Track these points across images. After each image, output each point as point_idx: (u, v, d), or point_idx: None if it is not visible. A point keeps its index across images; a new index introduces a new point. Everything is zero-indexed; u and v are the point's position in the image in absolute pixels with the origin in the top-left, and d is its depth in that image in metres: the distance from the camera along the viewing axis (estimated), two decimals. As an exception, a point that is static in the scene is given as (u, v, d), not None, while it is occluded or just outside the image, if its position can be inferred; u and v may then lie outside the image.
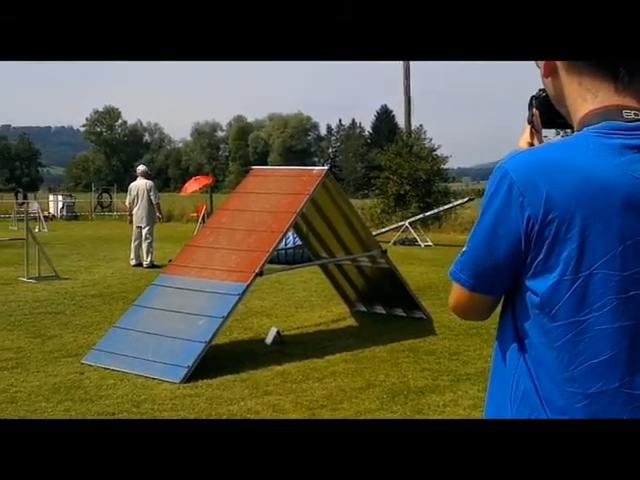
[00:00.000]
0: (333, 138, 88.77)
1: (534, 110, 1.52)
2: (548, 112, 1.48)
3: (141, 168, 13.27)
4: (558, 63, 1.36)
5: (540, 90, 1.49)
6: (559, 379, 1.29)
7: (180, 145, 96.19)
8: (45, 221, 22.64)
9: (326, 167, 7.77)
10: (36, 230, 17.91)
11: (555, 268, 1.26)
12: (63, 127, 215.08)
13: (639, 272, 1.24)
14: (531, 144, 1.51)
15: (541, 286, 1.28)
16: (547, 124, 1.53)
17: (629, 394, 1.27)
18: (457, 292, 1.43)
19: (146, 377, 5.69)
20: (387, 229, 18.24)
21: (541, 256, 1.27)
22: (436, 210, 19.16)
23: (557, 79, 1.38)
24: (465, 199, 18.92)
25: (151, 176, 13.28)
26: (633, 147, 1.25)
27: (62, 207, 29.03)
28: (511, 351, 1.38)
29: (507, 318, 1.39)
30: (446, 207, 19.20)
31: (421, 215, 18.75)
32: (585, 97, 1.33)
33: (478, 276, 1.36)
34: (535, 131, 1.53)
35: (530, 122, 1.53)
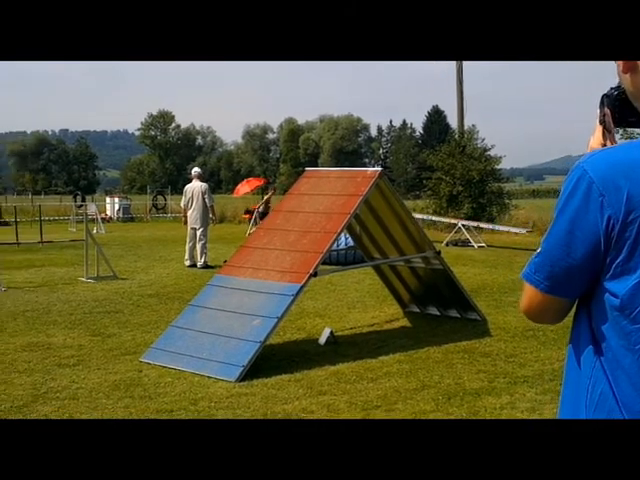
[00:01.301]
0: (384, 139, 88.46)
1: (605, 109, 1.48)
2: (620, 111, 1.45)
3: (196, 170, 13.48)
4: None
5: (611, 89, 1.46)
6: (639, 382, 1.26)
7: (232, 148, 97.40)
8: (102, 223, 23.23)
9: (380, 168, 7.76)
10: (94, 232, 18.37)
11: (636, 269, 1.24)
12: (119, 131, 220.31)
13: None
14: (604, 145, 1.47)
15: (621, 288, 1.26)
16: (619, 123, 1.49)
17: None
18: (530, 294, 1.40)
19: (202, 375, 5.78)
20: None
21: (621, 257, 1.25)
22: (489, 226, 18.38)
23: (636, 75, 1.35)
24: (524, 230, 17.35)
25: (205, 178, 13.49)
26: None
27: (118, 209, 29.72)
28: (587, 354, 1.35)
29: (582, 320, 1.36)
30: (500, 228, 18.10)
31: (474, 223, 18.15)
32: None
33: (553, 278, 1.34)
34: (607, 131, 1.49)
35: (602, 122, 1.50)
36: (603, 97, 1.50)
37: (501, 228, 17.66)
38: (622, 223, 1.24)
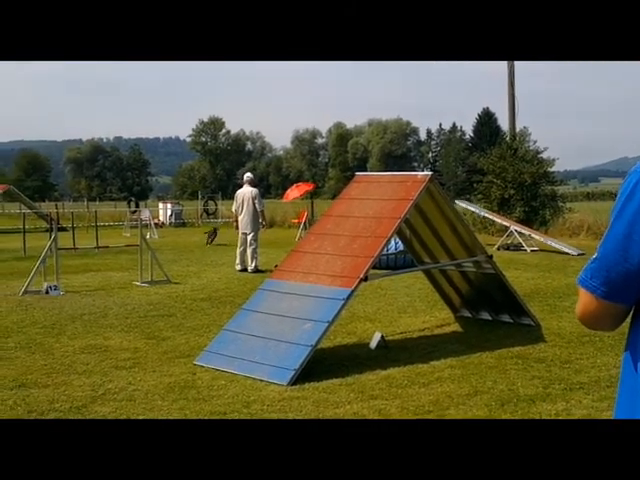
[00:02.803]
0: (433, 142, 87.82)
1: None
2: None
3: (247, 176, 13.64)
4: None
5: None
6: None
7: (281, 153, 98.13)
8: (155, 228, 23.70)
9: (430, 172, 7.72)
10: (147, 237, 18.77)
11: None
12: (170, 138, 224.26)
13: None
14: None
15: None
16: None
17: None
18: (586, 300, 1.39)
19: (254, 379, 5.85)
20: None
21: None
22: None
23: None
24: (575, 252, 15.03)
25: (255, 183, 13.62)
26: None
27: (171, 214, 30.29)
28: None
29: (638, 325, 1.35)
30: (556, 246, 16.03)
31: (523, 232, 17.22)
32: None
33: (610, 284, 1.33)
34: None
35: None
36: None
37: (554, 244, 16.33)
38: None
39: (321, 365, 6.20)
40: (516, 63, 22.67)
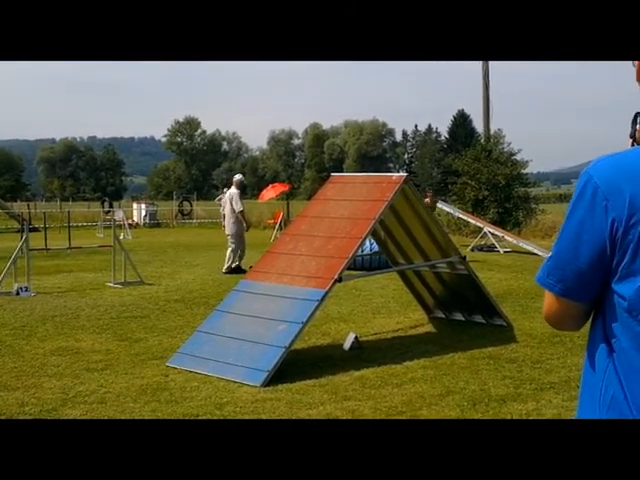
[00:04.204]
0: (409, 144, 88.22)
1: (638, 126, 1.51)
2: None
3: (235, 177, 13.58)
4: None
5: None
6: None
7: (257, 153, 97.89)
8: (129, 228, 23.50)
9: (405, 174, 7.76)
10: (121, 237, 18.60)
11: None
12: (145, 137, 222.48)
13: None
14: None
15: (628, 290, 1.28)
16: None
17: None
18: (549, 300, 1.43)
19: (228, 380, 5.82)
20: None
21: (626, 259, 1.27)
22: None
23: None
24: (547, 254, 15.93)
25: (241, 185, 13.48)
26: None
27: (145, 215, 30.05)
28: (600, 356, 1.37)
29: (597, 324, 1.39)
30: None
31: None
32: None
33: (565, 281, 1.37)
34: (638, 146, 1.52)
35: (632, 137, 1.53)
36: (636, 115, 1.52)
37: (526, 246, 16.69)
38: (625, 226, 1.26)
39: (295, 366, 6.20)
40: (491, 64, 22.87)
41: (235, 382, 5.78)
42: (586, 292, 1.37)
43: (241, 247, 12.92)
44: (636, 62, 1.39)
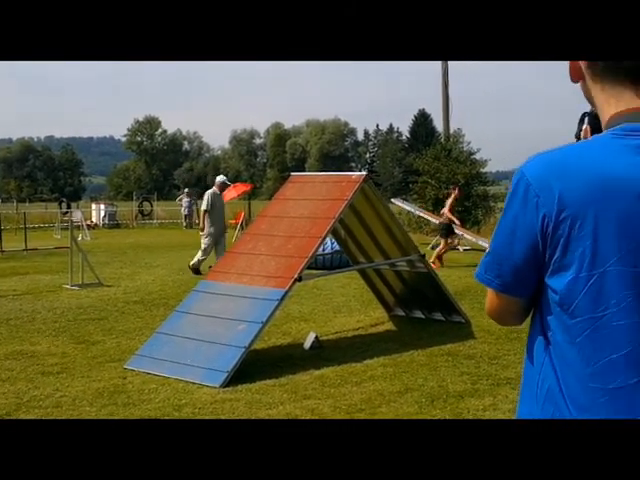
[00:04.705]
0: (370, 143, 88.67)
1: (585, 126, 1.54)
2: (599, 129, 1.50)
3: (216, 178, 13.40)
4: (583, 69, 1.38)
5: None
6: (582, 375, 1.31)
7: (219, 153, 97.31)
8: (88, 230, 23.14)
9: (364, 173, 7.79)
10: (79, 238, 18.30)
11: (570, 266, 1.29)
12: (105, 137, 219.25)
13: None
14: None
15: (559, 284, 1.31)
16: None
17: None
18: (489, 295, 1.46)
19: (187, 382, 5.77)
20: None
21: (557, 254, 1.30)
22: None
23: (585, 84, 1.41)
24: None
25: (223, 187, 13.23)
26: None
27: (104, 216, 29.62)
28: (537, 350, 1.40)
29: (536, 318, 1.42)
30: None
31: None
32: (609, 101, 1.36)
33: (502, 277, 1.39)
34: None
35: (577, 137, 1.56)
36: (584, 114, 1.55)
37: (484, 244, 16.97)
38: (555, 221, 1.29)
39: (255, 366, 6.18)
40: (450, 64, 23.08)
41: (194, 383, 5.74)
42: (523, 287, 1.39)
43: (210, 248, 12.69)
44: (569, 62, 1.42)
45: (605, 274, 1.27)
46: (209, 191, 12.89)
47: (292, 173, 8.54)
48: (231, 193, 26.00)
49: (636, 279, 1.26)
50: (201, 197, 13.86)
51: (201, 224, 12.99)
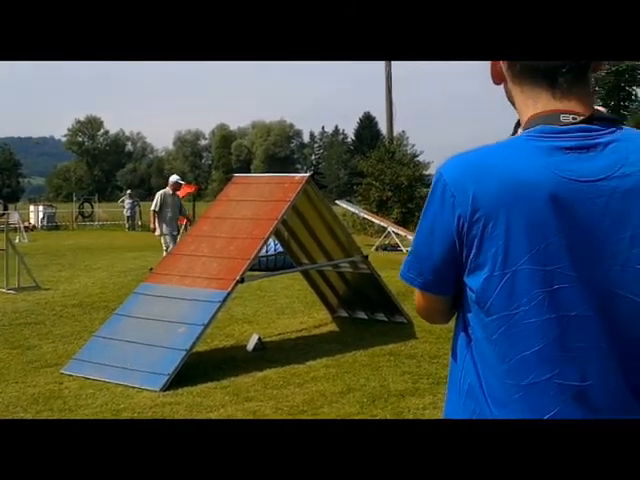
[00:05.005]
0: (316, 145, 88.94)
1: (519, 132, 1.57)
2: None
3: (170, 178, 13.08)
4: (504, 71, 1.41)
5: None
6: (498, 372, 1.34)
7: (163, 154, 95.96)
8: (25, 231, 22.48)
9: (307, 174, 7.79)
10: (16, 241, 17.77)
11: (485, 265, 1.31)
12: (44, 137, 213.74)
13: (563, 267, 1.28)
14: None
15: (475, 282, 1.34)
16: None
17: (560, 385, 1.30)
18: (416, 293, 1.48)
19: (126, 386, 5.66)
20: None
21: (472, 254, 1.33)
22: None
23: (507, 86, 1.44)
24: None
25: (176, 187, 12.89)
26: (563, 148, 1.30)
27: (43, 217, 28.86)
28: (460, 347, 1.42)
29: (459, 316, 1.45)
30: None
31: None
32: (527, 103, 1.39)
33: (424, 275, 1.41)
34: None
35: None
36: (518, 122, 1.59)
37: None
38: (469, 221, 1.31)
39: (196, 369, 6.11)
40: (394, 68, 23.35)
41: (133, 387, 5.63)
42: (444, 286, 1.41)
43: (172, 245, 12.25)
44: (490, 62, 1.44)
45: (517, 273, 1.29)
46: (160, 191, 12.66)
47: (234, 174, 8.49)
48: (175, 194, 25.72)
49: (546, 278, 1.28)
50: (149, 198, 13.55)
51: (152, 225, 12.68)
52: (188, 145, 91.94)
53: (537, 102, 1.36)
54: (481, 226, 1.30)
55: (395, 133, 24.73)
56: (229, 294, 6.42)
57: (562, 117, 1.32)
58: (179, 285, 6.69)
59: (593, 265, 1.29)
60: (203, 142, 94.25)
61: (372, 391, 5.56)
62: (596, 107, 1.36)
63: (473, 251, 1.32)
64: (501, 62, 1.42)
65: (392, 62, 22.71)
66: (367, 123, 74.01)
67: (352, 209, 20.62)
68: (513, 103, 1.44)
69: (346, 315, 8.68)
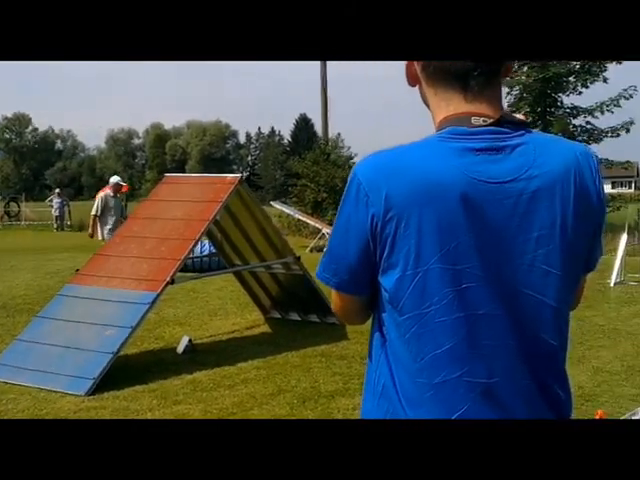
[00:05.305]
0: (252, 146, 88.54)
1: None
2: None
3: (110, 179, 12.67)
4: (419, 72, 1.43)
5: None
6: (411, 371, 1.35)
7: (94, 153, 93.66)
8: (-53, 231, 21.55)
9: (239, 174, 7.73)
10: (-64, 241, 16.99)
11: (397, 264, 1.32)
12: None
13: (472, 266, 1.31)
14: None
15: (388, 282, 1.34)
16: None
17: (469, 382, 1.32)
18: (333, 294, 1.47)
19: (49, 390, 5.49)
20: None
21: (386, 253, 1.33)
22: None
23: (421, 88, 1.45)
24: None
25: (117, 188, 12.46)
26: (473, 149, 1.33)
27: (-35, 216, 27.73)
28: (375, 347, 1.43)
29: (374, 317, 1.45)
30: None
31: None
32: (440, 105, 1.40)
33: (339, 275, 1.41)
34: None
35: None
36: None
37: None
38: (382, 220, 1.31)
39: (123, 372, 5.97)
40: (329, 70, 23.47)
41: (57, 392, 5.47)
42: (359, 286, 1.41)
43: None
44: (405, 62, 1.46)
45: (428, 272, 1.30)
46: (100, 194, 12.23)
47: (166, 174, 8.36)
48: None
49: (455, 277, 1.30)
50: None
51: (90, 229, 12.12)
52: (121, 144, 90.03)
53: (449, 104, 1.38)
54: (394, 225, 1.30)
55: (331, 135, 24.88)
56: (159, 295, 6.31)
57: (473, 119, 1.35)
58: (106, 287, 6.54)
59: (501, 265, 1.32)
60: (137, 141, 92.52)
61: (303, 392, 5.56)
62: (505, 110, 1.39)
63: (386, 250, 1.32)
64: (416, 64, 1.43)
65: (327, 64, 22.81)
66: (303, 125, 74.12)
67: (287, 210, 20.60)
68: (428, 105, 1.45)
69: (279, 316, 8.66)
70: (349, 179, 1.38)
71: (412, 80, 1.45)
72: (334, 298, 1.48)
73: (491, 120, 1.34)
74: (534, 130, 1.40)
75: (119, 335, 5.95)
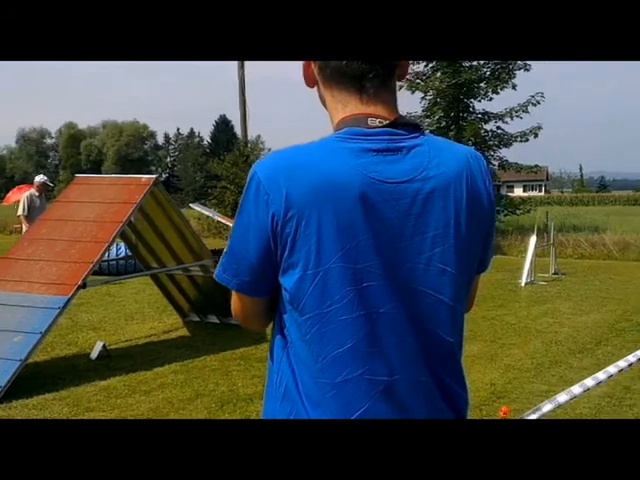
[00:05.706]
0: (171, 147, 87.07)
1: None
2: None
3: (35, 178, 12.06)
4: (316, 74, 1.43)
5: None
6: (313, 371, 1.35)
7: (4, 152, 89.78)
8: None
9: (154, 176, 7.57)
10: None
11: (298, 264, 1.32)
12: None
13: (372, 265, 1.32)
14: None
15: (289, 282, 1.33)
16: None
17: (370, 380, 1.33)
18: (233, 297, 1.45)
19: (-48, 401, 5.21)
20: None
21: (286, 253, 1.32)
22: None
23: (319, 89, 1.46)
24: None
25: (43, 188, 11.89)
26: (371, 150, 1.34)
27: None
28: (277, 349, 1.42)
29: (276, 317, 1.43)
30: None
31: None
32: (337, 107, 1.41)
33: (239, 276, 1.39)
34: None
35: None
36: None
37: None
38: (283, 220, 1.31)
39: (33, 380, 5.74)
40: (247, 70, 23.33)
41: (-40, 403, 5.19)
42: (261, 287, 1.40)
43: None
44: (305, 63, 1.46)
45: (329, 271, 1.30)
46: (25, 193, 11.85)
47: (77, 175, 8.09)
48: (16, 195, 24.15)
49: (356, 276, 1.31)
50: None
51: (24, 229, 11.75)
52: (32, 143, 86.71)
53: (346, 106, 1.39)
54: (294, 224, 1.30)
55: (250, 137, 24.77)
56: (70, 300, 6.09)
57: (369, 120, 1.36)
58: (14, 291, 6.26)
59: (399, 264, 1.33)
60: (49, 141, 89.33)
61: (221, 396, 5.49)
62: (400, 113, 1.41)
63: (287, 250, 1.31)
64: (313, 65, 1.43)
65: (245, 65, 22.69)
66: (223, 127, 73.46)
67: (206, 212, 20.35)
68: (325, 106, 1.46)
69: (198, 320, 8.54)
70: (248, 178, 1.35)
71: (310, 81, 1.46)
72: (234, 301, 1.45)
73: (387, 122, 1.36)
74: (427, 133, 1.43)
75: (28, 341, 5.70)
